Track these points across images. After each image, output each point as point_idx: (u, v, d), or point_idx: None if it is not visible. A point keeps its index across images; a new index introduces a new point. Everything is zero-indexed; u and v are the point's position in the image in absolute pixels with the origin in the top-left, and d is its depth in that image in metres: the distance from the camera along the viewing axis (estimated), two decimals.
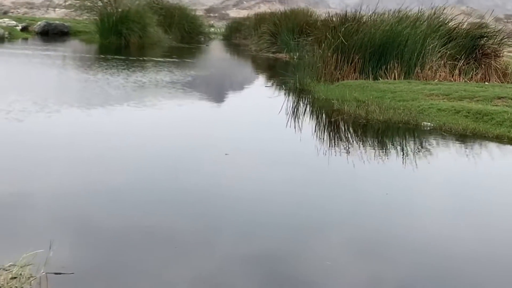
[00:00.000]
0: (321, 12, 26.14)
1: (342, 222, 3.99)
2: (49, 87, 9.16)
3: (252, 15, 41.71)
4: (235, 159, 5.41)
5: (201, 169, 5.03)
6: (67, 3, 23.60)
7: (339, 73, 11.41)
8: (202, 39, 30.44)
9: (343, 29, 11.83)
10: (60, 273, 2.84)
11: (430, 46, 11.78)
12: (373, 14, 13.80)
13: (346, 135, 7.19)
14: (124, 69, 12.09)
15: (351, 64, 11.47)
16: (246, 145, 6.13)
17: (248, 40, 29.88)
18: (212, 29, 36.64)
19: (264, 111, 8.62)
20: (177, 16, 28.22)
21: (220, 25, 49.63)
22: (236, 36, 33.95)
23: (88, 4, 22.59)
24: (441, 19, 13.14)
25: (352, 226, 3.89)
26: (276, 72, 14.58)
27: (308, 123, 7.77)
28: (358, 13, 16.69)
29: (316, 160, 5.56)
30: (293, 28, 20.39)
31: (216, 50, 24.79)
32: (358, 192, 4.66)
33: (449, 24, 13.34)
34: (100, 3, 22.50)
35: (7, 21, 22.68)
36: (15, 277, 2.74)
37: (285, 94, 10.36)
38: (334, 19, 18.28)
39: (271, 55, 20.17)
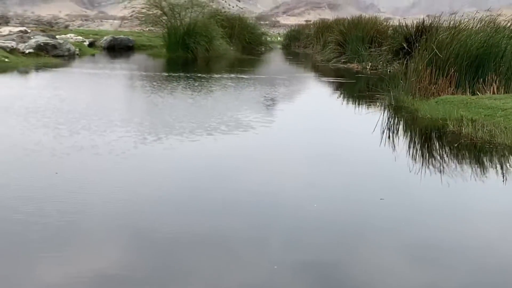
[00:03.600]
0: (371, 15, 25.48)
1: None
2: (154, 114, 8.78)
3: (310, 23, 41.32)
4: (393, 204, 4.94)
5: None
6: (131, 16, 23.42)
7: (434, 88, 10.82)
8: (263, 49, 30.08)
9: (436, 39, 11.26)
10: None
11: None
12: (452, 21, 13.20)
13: (485, 168, 6.26)
14: (216, 89, 11.89)
15: (446, 77, 10.86)
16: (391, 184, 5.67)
17: (309, 49, 29.44)
18: (269, 38, 36.20)
19: (371, 135, 7.91)
20: (237, 27, 27.98)
21: (272, 33, 49.30)
22: (296, 45, 33.53)
23: (154, 18, 22.53)
24: None
25: None
26: (357, 86, 14.07)
27: (430, 151, 7.21)
28: (436, 21, 16.17)
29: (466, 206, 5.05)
30: (362, 37, 19.83)
31: (283, 62, 24.42)
32: None
33: None
34: (165, 17, 22.43)
35: (74, 37, 22.77)
36: None
37: (381, 112, 9.77)
38: (408, 27, 17.82)
39: (340, 65, 19.61)
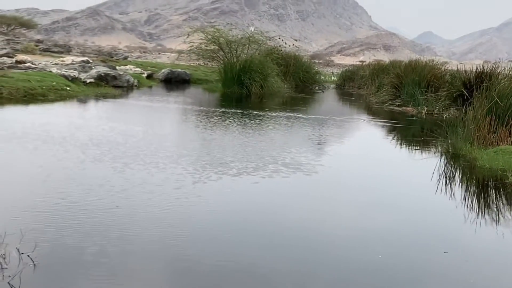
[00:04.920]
0: (426, 58, 25.34)
1: None
2: (211, 152, 8.78)
3: (364, 63, 41.32)
4: None
5: None
6: (189, 50, 23.84)
7: (493, 137, 10.60)
8: (316, 88, 30.19)
9: (497, 88, 11.07)
10: None
11: None
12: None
13: None
14: (272, 128, 11.99)
15: (505, 126, 10.64)
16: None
17: (363, 90, 29.37)
18: (322, 77, 36.33)
19: (429, 182, 7.78)
20: (292, 65, 28.21)
21: (326, 72, 49.37)
22: (350, 85, 33.52)
23: (211, 53, 22.93)
24: None
25: None
26: (413, 130, 13.90)
27: (488, 202, 7.02)
28: (496, 68, 15.94)
29: None
30: (419, 81, 19.69)
31: (338, 102, 24.36)
32: None
33: None
34: (222, 53, 22.81)
35: (133, 68, 23.33)
36: None
37: (438, 159, 9.61)
38: (467, 73, 17.58)
39: (395, 108, 19.45)
